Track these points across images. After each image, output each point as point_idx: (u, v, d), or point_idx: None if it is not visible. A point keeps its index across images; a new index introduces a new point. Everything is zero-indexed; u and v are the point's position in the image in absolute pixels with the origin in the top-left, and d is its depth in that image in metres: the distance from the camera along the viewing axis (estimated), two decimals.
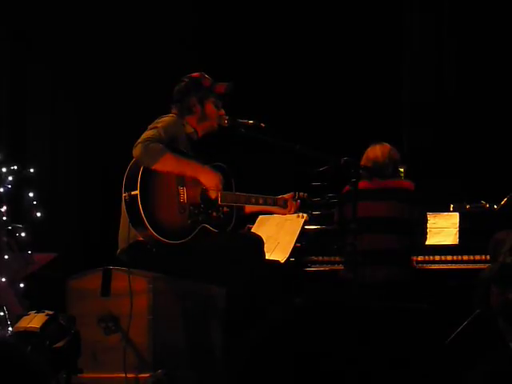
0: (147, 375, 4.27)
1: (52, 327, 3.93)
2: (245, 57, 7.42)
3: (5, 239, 5.65)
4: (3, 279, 5.57)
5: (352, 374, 3.89)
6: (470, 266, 5.86)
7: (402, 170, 6.05)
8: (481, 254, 5.85)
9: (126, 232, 4.51)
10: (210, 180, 4.55)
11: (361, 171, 5.15)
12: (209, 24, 7.54)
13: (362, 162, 5.57)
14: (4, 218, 5.69)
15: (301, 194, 4.95)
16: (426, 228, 5.71)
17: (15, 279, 5.69)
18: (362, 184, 5.36)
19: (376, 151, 5.69)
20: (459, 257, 5.94)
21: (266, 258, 4.88)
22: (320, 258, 6.10)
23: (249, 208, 4.95)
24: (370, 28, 7.46)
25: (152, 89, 6.94)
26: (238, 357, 4.34)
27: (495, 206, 5.88)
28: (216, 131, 4.82)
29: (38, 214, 5.89)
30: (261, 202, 4.84)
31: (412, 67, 7.54)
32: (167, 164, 4.42)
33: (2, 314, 5.43)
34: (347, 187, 5.56)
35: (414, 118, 7.49)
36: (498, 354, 3.73)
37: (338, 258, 5.97)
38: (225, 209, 4.68)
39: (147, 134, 4.48)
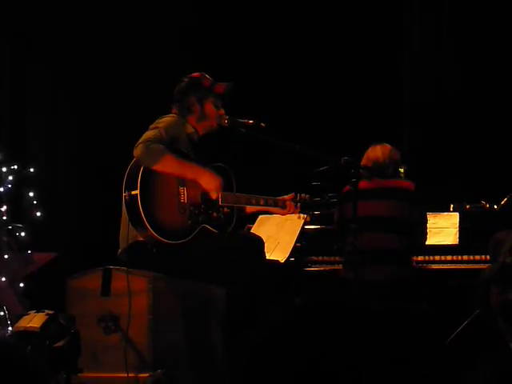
0: (147, 375, 4.27)
1: (52, 327, 3.93)
2: (245, 57, 7.42)
3: (5, 239, 5.65)
4: (3, 279, 5.57)
5: (352, 374, 3.89)
6: (470, 266, 5.86)
7: (402, 170, 6.05)
8: (481, 254, 5.85)
9: (125, 232, 4.51)
10: (210, 183, 4.54)
11: (361, 171, 5.15)
12: (209, 24, 7.54)
13: (363, 163, 5.57)
14: (4, 218, 5.69)
15: (302, 195, 4.94)
16: (426, 228, 5.72)
17: (15, 279, 5.69)
18: (362, 184, 5.36)
19: (376, 151, 5.69)
20: (459, 257, 5.94)
21: (266, 257, 4.88)
22: (320, 257, 6.10)
23: (249, 208, 4.95)
24: (370, 28, 7.46)
25: (152, 88, 6.94)
26: (238, 357, 4.34)
27: (495, 206, 5.88)
28: (216, 131, 4.82)
29: (38, 214, 5.89)
30: (261, 202, 4.83)
31: (412, 67, 7.54)
32: (167, 165, 4.41)
33: (1, 313, 5.43)
34: (347, 187, 5.56)
35: (414, 118, 7.49)
36: (498, 354, 3.72)
37: (338, 258, 5.97)
38: (225, 209, 4.67)
39: (148, 134, 4.48)
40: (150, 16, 7.30)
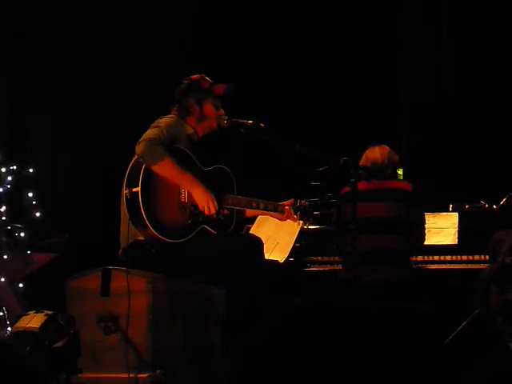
0: (147, 375, 4.27)
1: (51, 327, 3.93)
2: (245, 57, 7.42)
3: (4, 239, 5.65)
4: (2, 279, 5.57)
5: (351, 374, 3.89)
6: (470, 266, 5.86)
7: (400, 172, 6.05)
8: (480, 253, 5.85)
9: (126, 231, 4.51)
10: (201, 198, 4.53)
11: (360, 172, 5.16)
12: (209, 24, 7.54)
13: (361, 164, 5.57)
14: (3, 218, 5.69)
15: (302, 202, 4.94)
16: (425, 229, 5.72)
17: (14, 279, 5.69)
18: (361, 185, 5.37)
19: (375, 153, 5.70)
20: (458, 257, 5.94)
21: (266, 258, 4.88)
22: (319, 258, 6.10)
23: (249, 212, 4.95)
24: (370, 28, 7.46)
25: (152, 89, 6.95)
26: (237, 357, 4.34)
27: (494, 206, 5.88)
28: (216, 131, 4.82)
29: (38, 214, 5.89)
30: (261, 206, 4.83)
31: (412, 67, 7.54)
32: (165, 169, 4.42)
33: (1, 314, 5.43)
34: (345, 189, 5.57)
35: (414, 119, 7.48)
36: (498, 354, 3.73)
37: (337, 258, 5.97)
38: (225, 211, 4.67)
39: (151, 132, 4.48)
40: (150, 16, 7.30)
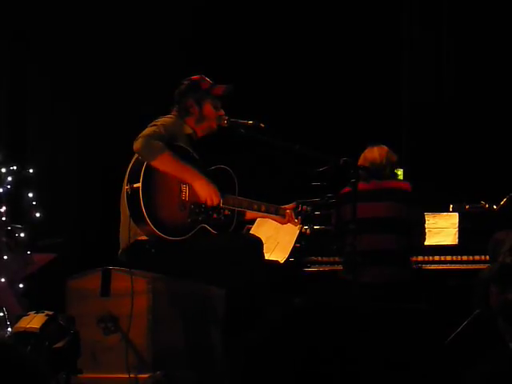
0: (147, 375, 4.27)
1: (51, 327, 3.93)
2: (245, 57, 7.42)
3: (4, 240, 5.65)
4: (2, 280, 5.57)
5: (351, 374, 3.89)
6: (470, 266, 5.86)
7: (399, 172, 6.06)
8: (480, 254, 5.85)
9: (126, 232, 4.51)
10: (203, 190, 4.52)
11: (360, 171, 5.15)
12: (209, 24, 7.53)
13: (359, 164, 5.57)
14: (3, 219, 5.69)
15: (304, 207, 4.93)
16: (425, 229, 5.72)
17: (14, 280, 5.69)
18: (360, 186, 5.36)
19: (374, 153, 5.70)
20: (459, 257, 5.95)
21: (266, 258, 4.88)
22: (319, 258, 6.10)
23: (249, 214, 4.95)
24: (370, 29, 7.46)
25: (152, 89, 6.94)
26: (237, 357, 4.34)
27: (495, 206, 5.88)
28: (215, 132, 4.82)
29: (38, 215, 5.89)
30: (263, 209, 4.82)
31: (411, 69, 7.54)
32: (164, 163, 4.41)
33: (1, 314, 5.43)
34: (345, 189, 5.58)
35: (414, 119, 7.48)
36: (498, 354, 3.73)
37: (337, 259, 5.98)
38: (226, 211, 4.67)
39: (148, 130, 4.49)
40: (149, 16, 7.30)
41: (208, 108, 4.76)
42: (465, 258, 5.93)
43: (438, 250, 5.97)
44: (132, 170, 4.46)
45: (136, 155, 4.48)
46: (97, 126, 7.12)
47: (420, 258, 5.92)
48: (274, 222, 5.07)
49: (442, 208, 6.12)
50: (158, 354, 4.38)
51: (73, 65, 7.07)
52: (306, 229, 4.97)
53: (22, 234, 5.71)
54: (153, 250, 4.47)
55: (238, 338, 4.42)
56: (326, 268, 6.05)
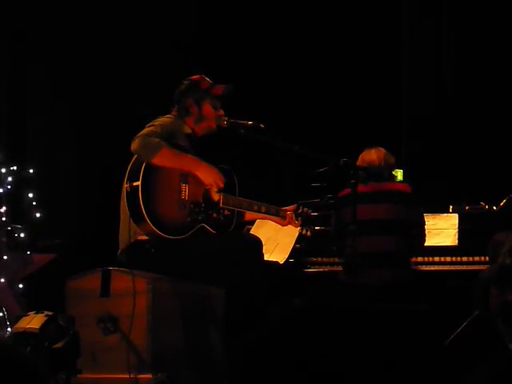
0: (147, 376, 4.27)
1: (51, 328, 3.93)
2: (245, 58, 7.42)
3: (4, 240, 5.65)
4: (2, 280, 5.57)
5: (351, 375, 3.89)
6: (469, 268, 5.87)
7: (399, 173, 6.06)
8: (480, 255, 5.85)
9: (126, 232, 4.51)
10: (208, 175, 4.53)
11: (359, 172, 5.15)
12: (209, 25, 7.54)
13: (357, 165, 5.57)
14: (3, 219, 5.69)
15: (304, 209, 4.93)
16: (425, 230, 5.72)
17: (14, 280, 5.69)
18: (359, 188, 5.36)
19: (371, 155, 5.70)
20: (458, 258, 5.95)
21: (266, 258, 4.87)
22: (319, 259, 6.10)
23: (249, 215, 4.94)
24: (371, 37, 7.46)
25: (151, 89, 6.95)
26: (237, 357, 4.34)
27: (494, 208, 5.88)
28: (215, 132, 4.82)
29: (38, 215, 5.89)
30: (263, 210, 4.81)
31: (411, 68, 7.54)
32: (165, 158, 4.41)
33: (1, 314, 5.43)
34: (343, 192, 5.58)
35: (414, 127, 7.48)
36: (497, 356, 3.73)
37: (337, 260, 5.98)
38: (226, 212, 4.66)
39: (145, 130, 4.49)
40: (149, 17, 7.30)
41: (207, 108, 4.76)
42: (464, 259, 5.93)
43: (437, 250, 5.97)
44: (132, 169, 4.46)
45: (136, 155, 4.49)
46: (97, 126, 7.12)
47: (420, 259, 5.92)
48: (273, 223, 5.07)
49: (442, 209, 6.12)
50: (157, 354, 4.38)
51: (73, 65, 7.07)
52: (306, 231, 4.96)
53: (22, 234, 5.71)
54: (152, 250, 4.47)
55: (237, 338, 4.42)
56: (326, 269, 6.05)
